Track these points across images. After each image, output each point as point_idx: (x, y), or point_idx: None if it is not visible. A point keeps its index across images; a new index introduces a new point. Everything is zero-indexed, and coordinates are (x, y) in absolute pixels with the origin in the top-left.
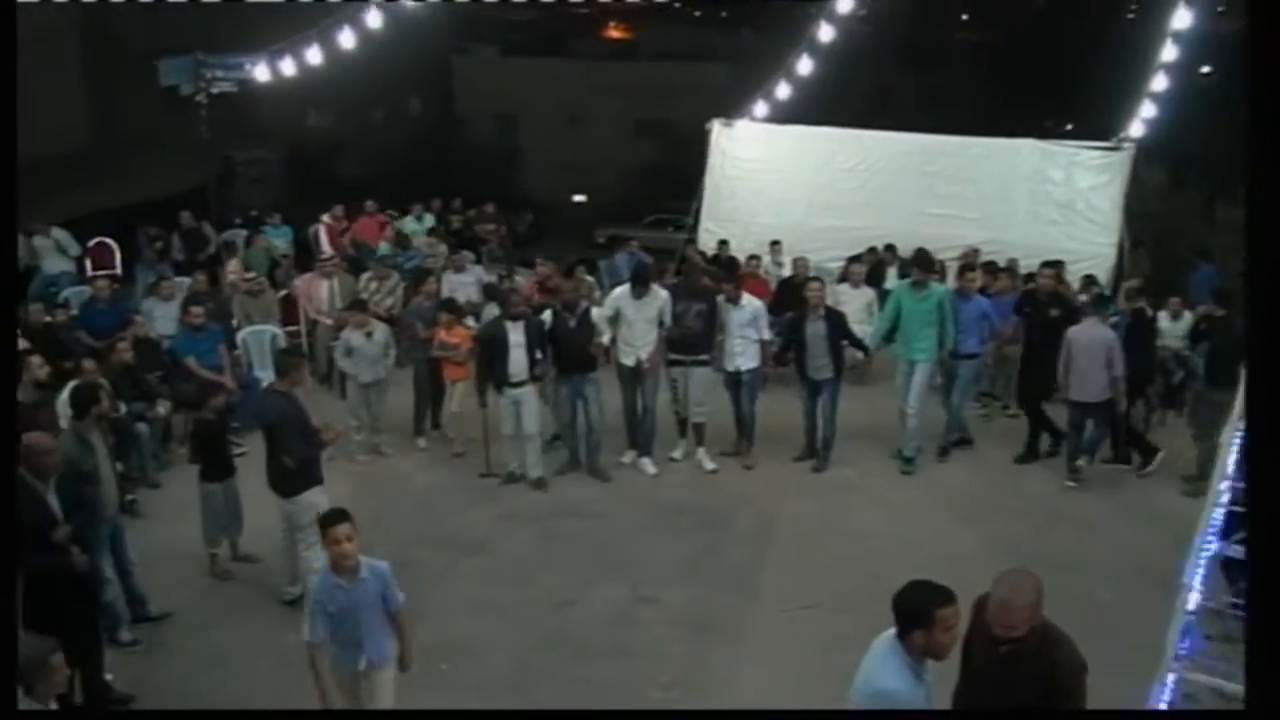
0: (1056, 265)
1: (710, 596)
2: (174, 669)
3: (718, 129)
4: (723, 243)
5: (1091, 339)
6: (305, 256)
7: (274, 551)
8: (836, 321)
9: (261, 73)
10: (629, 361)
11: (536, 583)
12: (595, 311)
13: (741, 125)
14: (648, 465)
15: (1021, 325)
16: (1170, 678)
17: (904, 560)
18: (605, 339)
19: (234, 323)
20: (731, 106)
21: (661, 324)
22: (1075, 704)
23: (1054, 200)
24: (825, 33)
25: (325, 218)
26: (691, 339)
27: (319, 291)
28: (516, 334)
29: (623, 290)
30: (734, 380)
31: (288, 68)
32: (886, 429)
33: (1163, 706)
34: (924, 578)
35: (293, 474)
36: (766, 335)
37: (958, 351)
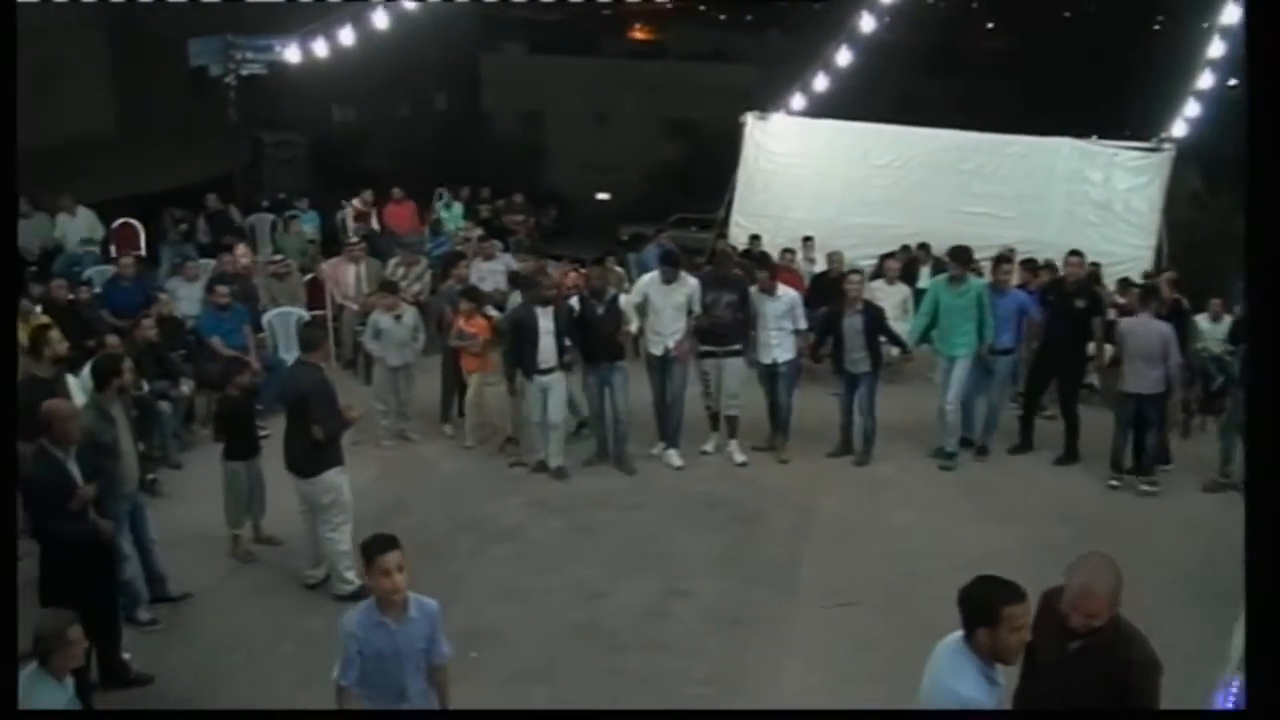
0: (1082, 257)
1: (744, 591)
2: (193, 650)
3: (752, 122)
4: (754, 237)
5: (1147, 332)
6: (331, 244)
7: (297, 534)
8: (874, 316)
9: (292, 54)
10: (657, 351)
11: (567, 572)
12: (623, 299)
13: (776, 119)
14: (673, 457)
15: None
16: (1236, 681)
17: (942, 560)
18: (633, 327)
19: (259, 305)
20: (758, 108)
21: (690, 312)
22: (1149, 706)
23: (1091, 201)
24: (866, 23)
25: (355, 202)
26: (722, 329)
27: (346, 276)
28: (546, 320)
29: (651, 277)
30: (769, 373)
31: (320, 49)
32: (923, 427)
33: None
34: (963, 578)
35: (315, 452)
36: (802, 326)
37: (994, 347)
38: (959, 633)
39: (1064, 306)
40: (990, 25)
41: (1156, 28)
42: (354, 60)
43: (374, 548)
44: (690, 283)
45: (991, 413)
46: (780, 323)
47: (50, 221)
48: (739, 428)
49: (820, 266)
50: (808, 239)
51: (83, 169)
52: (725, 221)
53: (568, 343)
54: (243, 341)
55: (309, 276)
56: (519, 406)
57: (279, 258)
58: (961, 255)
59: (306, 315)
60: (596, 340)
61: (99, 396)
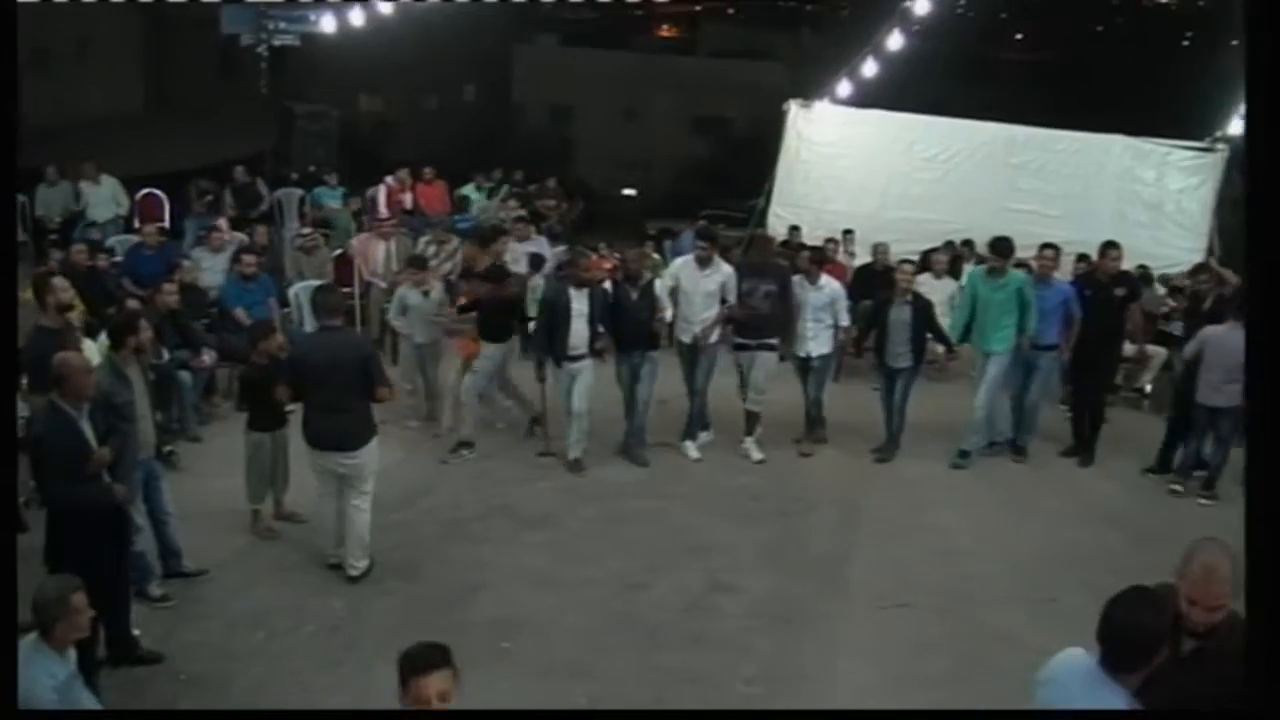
0: (1118, 250)
1: (791, 587)
2: (208, 629)
3: (795, 110)
4: (793, 229)
5: (1233, 341)
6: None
7: (321, 512)
8: (923, 309)
9: (327, 24)
10: (686, 339)
11: (603, 562)
12: (658, 284)
13: (819, 107)
14: (690, 449)
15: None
16: None
17: (994, 562)
18: (668, 314)
19: (285, 279)
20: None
21: (724, 301)
22: None
23: (1142, 201)
24: (920, 6)
25: (389, 179)
26: (758, 321)
27: (375, 253)
28: (580, 302)
29: (685, 261)
30: (804, 366)
31: (355, 18)
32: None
33: None
34: (1018, 582)
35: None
36: (845, 321)
37: (1037, 342)
38: (1081, 654)
39: (1101, 297)
40: (1020, 36)
41: (1185, 43)
42: (384, 49)
43: (417, 665)
44: (724, 269)
45: (1030, 412)
46: (819, 314)
47: (73, 190)
48: (758, 424)
49: (862, 260)
50: (848, 232)
51: (111, 145)
52: (764, 213)
53: (600, 329)
54: (267, 314)
55: (338, 253)
56: (542, 394)
57: (307, 231)
58: (1002, 247)
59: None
60: (630, 326)
61: (115, 356)
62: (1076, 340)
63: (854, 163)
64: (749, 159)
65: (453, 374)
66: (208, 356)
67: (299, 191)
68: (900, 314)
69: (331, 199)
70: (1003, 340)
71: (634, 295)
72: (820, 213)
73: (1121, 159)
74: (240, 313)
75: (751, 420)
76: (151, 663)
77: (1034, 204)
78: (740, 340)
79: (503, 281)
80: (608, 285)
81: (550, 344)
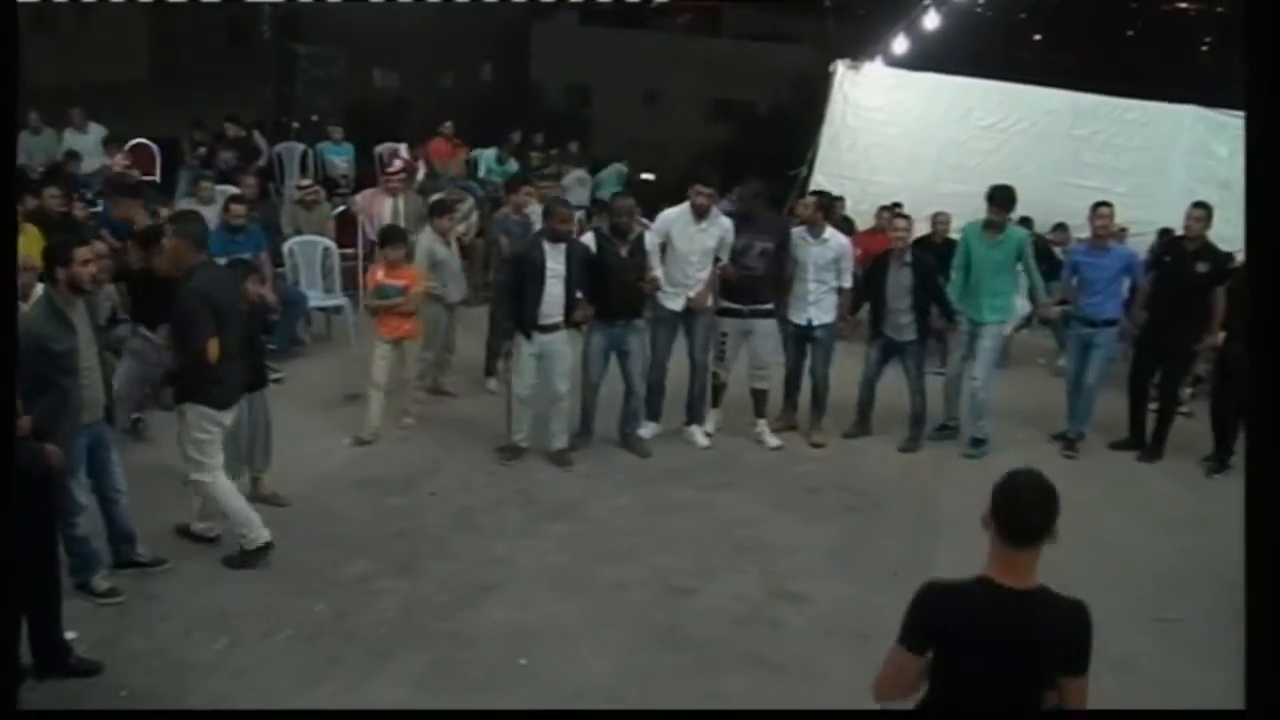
0: (1208, 210)
1: (870, 598)
2: (161, 633)
3: (842, 71)
4: (836, 199)
5: None
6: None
7: (305, 495)
8: (926, 271)
9: None
10: (675, 305)
11: (641, 561)
12: (648, 238)
13: (869, 69)
14: (697, 435)
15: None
16: None
17: (1100, 568)
18: (659, 274)
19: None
20: (811, 91)
21: (717, 260)
22: None
23: (1215, 179)
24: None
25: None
26: (752, 284)
27: (382, 210)
28: (556, 260)
29: (678, 212)
30: (801, 335)
31: None
32: (1050, 409)
33: None
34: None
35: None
36: (848, 283)
37: (1092, 317)
38: None
39: (1181, 270)
40: (1038, 38)
41: (1204, 49)
42: (400, 23)
43: None
44: (724, 222)
45: (1086, 396)
46: (822, 274)
47: (57, 138)
48: (767, 404)
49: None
50: (896, 206)
51: (114, 109)
52: (805, 182)
53: (579, 295)
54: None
55: (340, 210)
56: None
57: (306, 183)
58: (1001, 196)
59: (333, 245)
60: (615, 289)
61: (50, 291)
62: (1149, 319)
63: (905, 130)
64: (771, 145)
65: (379, 362)
66: None
67: (301, 146)
68: (900, 277)
69: (337, 155)
70: (996, 310)
71: (623, 251)
72: (867, 184)
73: (1194, 131)
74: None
75: (760, 400)
76: (86, 674)
77: (1099, 180)
78: (730, 305)
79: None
80: (590, 239)
81: (518, 311)
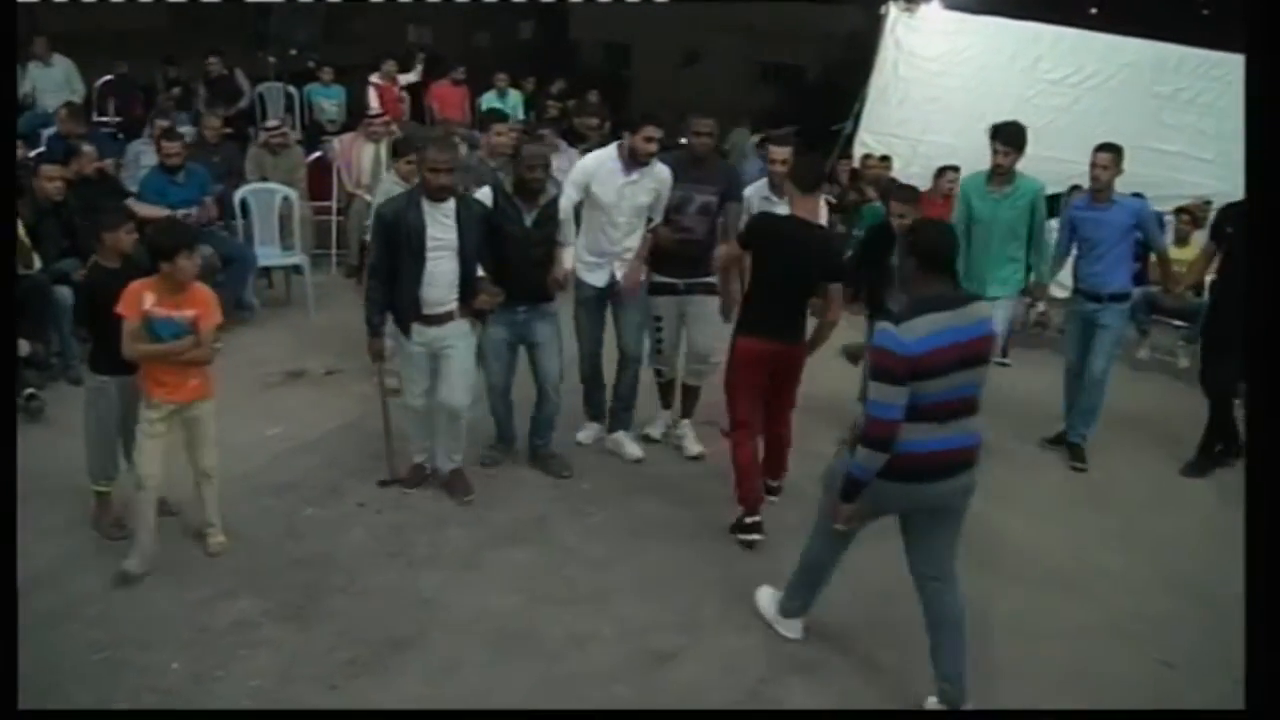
0: None
1: (905, 666)
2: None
3: (894, 14)
4: (882, 159)
5: None
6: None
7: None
8: None
9: None
10: (598, 281)
11: (612, 608)
12: (562, 200)
13: (926, 11)
14: (627, 445)
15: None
16: None
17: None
18: (569, 257)
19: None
20: (864, 54)
21: (649, 220)
22: None
23: None
24: None
25: (373, 77)
26: (691, 251)
27: (362, 157)
28: (441, 224)
29: (602, 158)
30: None
31: None
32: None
33: None
34: None
35: None
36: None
37: (1096, 289)
38: None
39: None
40: (1094, 11)
41: None
42: None
43: None
44: (661, 173)
45: (1092, 391)
46: None
47: (21, 71)
48: (697, 403)
49: None
50: (950, 169)
51: (134, 54)
52: (850, 139)
53: (479, 271)
54: (201, 218)
55: (315, 156)
56: (380, 385)
57: (274, 124)
58: (1009, 132)
59: (294, 194)
60: (516, 267)
61: None
62: (1209, 308)
63: (963, 82)
64: (818, 110)
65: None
66: None
67: (283, 85)
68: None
69: (326, 99)
70: (1005, 282)
71: (527, 218)
72: (918, 143)
73: None
74: (140, 205)
75: (690, 398)
76: None
77: (1181, 144)
78: (662, 279)
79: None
80: (484, 195)
81: (390, 297)
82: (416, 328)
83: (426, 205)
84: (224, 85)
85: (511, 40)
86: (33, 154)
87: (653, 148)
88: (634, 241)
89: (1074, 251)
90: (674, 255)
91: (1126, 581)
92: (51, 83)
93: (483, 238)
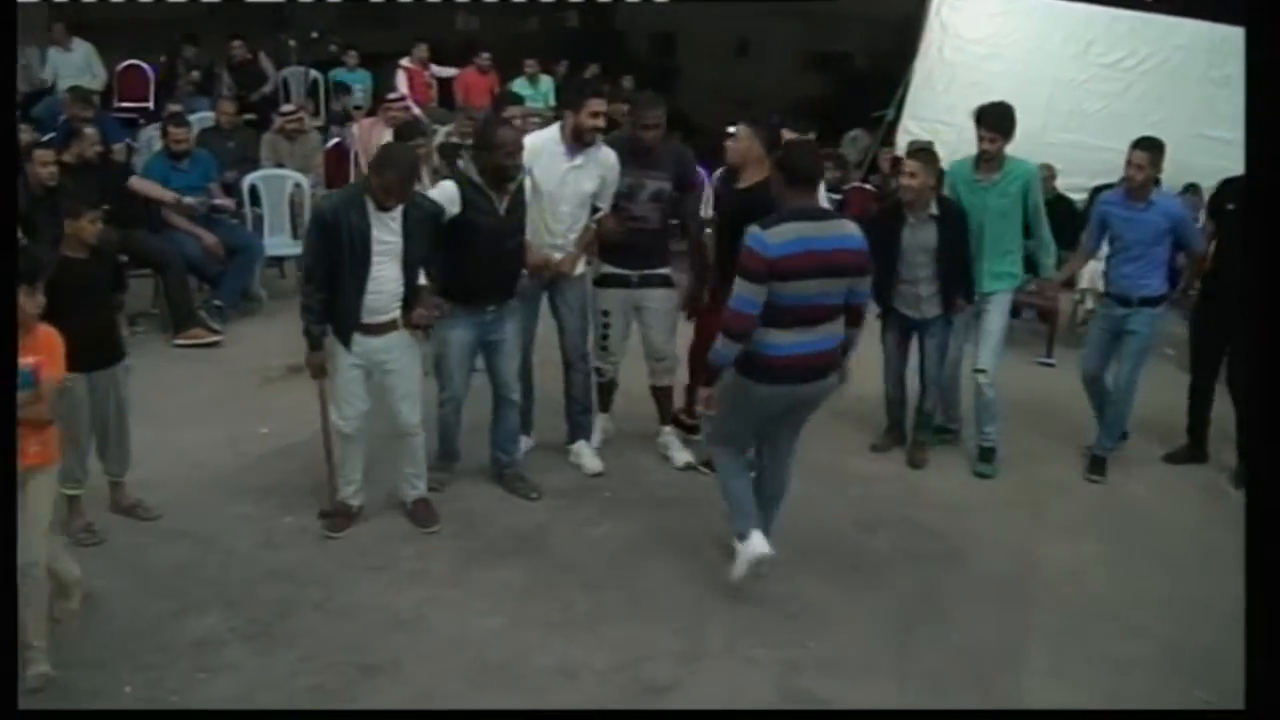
0: None
1: (935, 703)
2: None
3: None
4: (927, 146)
5: None
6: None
7: (182, 504)
8: (955, 224)
9: None
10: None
11: (606, 632)
12: (528, 184)
13: None
14: (586, 457)
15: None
16: None
17: None
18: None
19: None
20: (910, 39)
21: (595, 210)
22: None
23: None
24: None
25: (404, 61)
26: (644, 241)
27: (380, 143)
28: (387, 226)
29: (543, 139)
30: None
31: None
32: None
33: None
34: None
35: None
36: None
37: (1126, 293)
38: None
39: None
40: None
41: None
42: None
43: None
44: (606, 157)
45: (1120, 401)
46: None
47: (40, 58)
48: (672, 404)
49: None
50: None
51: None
52: (893, 126)
53: (422, 278)
54: (205, 206)
55: (333, 142)
56: (322, 406)
57: (290, 108)
58: (993, 116)
59: (305, 181)
60: (487, 262)
61: None
62: (1200, 294)
63: (1011, 66)
64: (868, 99)
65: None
66: None
67: (309, 70)
68: (918, 236)
69: (353, 82)
70: (1002, 276)
71: (500, 206)
72: (963, 130)
73: None
74: (140, 181)
75: (664, 401)
76: None
77: (1238, 132)
78: (612, 270)
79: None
80: (441, 193)
81: (329, 306)
82: (356, 338)
83: (370, 205)
84: (248, 70)
85: (559, 29)
86: (44, 139)
87: (600, 123)
88: (576, 232)
89: (1104, 249)
90: (625, 245)
91: (1171, 608)
92: (72, 68)
93: (430, 240)
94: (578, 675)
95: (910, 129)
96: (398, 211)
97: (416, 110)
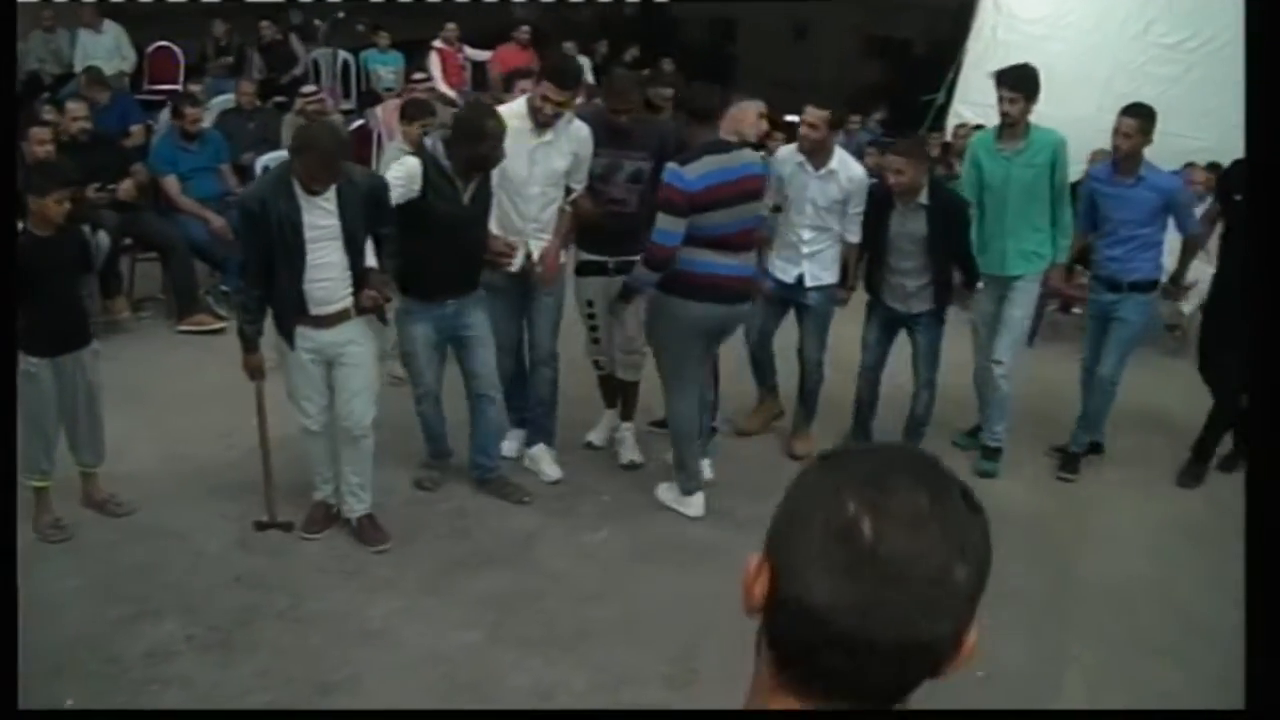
0: None
1: None
2: None
3: None
4: (977, 128)
5: None
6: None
7: (161, 500)
8: (947, 215)
9: None
10: (511, 266)
11: (590, 652)
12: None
13: None
14: (545, 464)
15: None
16: None
17: None
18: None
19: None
20: (969, 25)
21: (569, 191)
22: None
23: None
24: None
25: (436, 42)
26: (622, 225)
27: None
28: (321, 209)
29: (510, 113)
30: (787, 300)
31: None
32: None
33: None
34: None
35: None
36: (856, 236)
37: (1115, 276)
38: None
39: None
40: None
41: None
42: None
43: None
44: (579, 132)
45: (1104, 393)
46: (824, 216)
47: (70, 39)
48: (637, 401)
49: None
50: None
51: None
52: (943, 111)
53: (370, 261)
54: (216, 189)
55: (357, 124)
56: (259, 406)
57: (309, 89)
58: (1017, 79)
59: None
60: (449, 251)
61: None
62: (1212, 288)
63: (1069, 48)
64: (924, 85)
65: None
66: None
67: (341, 53)
68: (906, 224)
69: (383, 65)
70: (1028, 257)
71: (464, 194)
72: None
73: None
74: (171, 182)
75: (627, 396)
76: None
77: None
78: (589, 257)
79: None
80: (399, 174)
81: (267, 300)
82: (304, 332)
83: (300, 190)
84: (278, 51)
85: (616, 14)
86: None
87: (549, 109)
88: (550, 215)
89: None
90: (603, 230)
91: (1222, 638)
92: (102, 50)
93: (375, 216)
94: (553, 697)
95: (961, 113)
96: (331, 192)
97: (451, 92)
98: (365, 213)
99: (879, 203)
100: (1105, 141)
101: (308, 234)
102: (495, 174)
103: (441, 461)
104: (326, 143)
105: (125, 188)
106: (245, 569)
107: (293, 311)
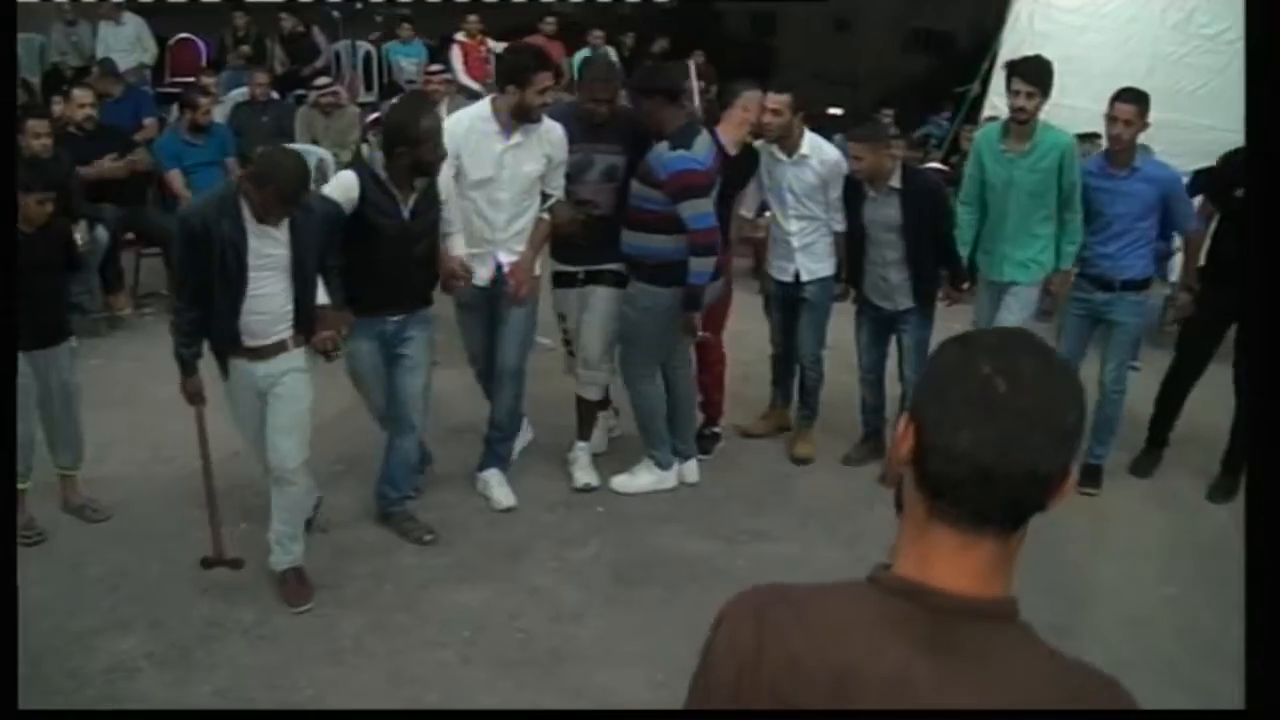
0: None
1: None
2: None
3: None
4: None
5: None
6: None
7: (143, 503)
8: (920, 201)
9: None
10: (479, 278)
11: (569, 675)
12: (442, 179)
13: None
14: (496, 488)
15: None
16: None
17: None
18: (460, 243)
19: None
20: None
21: (545, 197)
22: None
23: None
24: None
25: (458, 34)
26: (593, 231)
27: None
28: (269, 236)
29: (473, 115)
30: (785, 297)
31: None
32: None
33: None
34: None
35: None
36: (840, 225)
37: (1106, 275)
38: None
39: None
40: None
41: None
42: None
43: None
44: (552, 133)
45: (1110, 400)
46: (805, 204)
47: (92, 32)
48: (595, 421)
49: None
50: (1090, 137)
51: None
52: (977, 103)
53: (321, 297)
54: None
55: (373, 117)
56: (200, 431)
57: (324, 82)
58: (1030, 70)
59: (328, 157)
60: (392, 268)
61: None
62: (1205, 284)
63: (1107, 39)
64: (968, 78)
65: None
66: (79, 234)
67: (363, 44)
68: (880, 211)
69: (405, 57)
70: (1028, 265)
71: (404, 209)
72: (1053, 108)
73: None
74: (175, 176)
75: (584, 414)
76: None
77: None
78: (562, 268)
79: None
80: (339, 188)
81: (201, 326)
82: (237, 364)
83: (249, 214)
84: (299, 43)
85: (654, 9)
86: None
87: (546, 100)
88: (525, 224)
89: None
90: (573, 236)
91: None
92: (123, 42)
93: (328, 247)
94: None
95: (996, 105)
96: (285, 225)
97: (474, 84)
98: (318, 243)
99: (850, 191)
100: (1143, 137)
101: (251, 261)
102: (451, 182)
103: (422, 465)
104: (289, 178)
105: (113, 164)
106: (214, 579)
107: (226, 341)
